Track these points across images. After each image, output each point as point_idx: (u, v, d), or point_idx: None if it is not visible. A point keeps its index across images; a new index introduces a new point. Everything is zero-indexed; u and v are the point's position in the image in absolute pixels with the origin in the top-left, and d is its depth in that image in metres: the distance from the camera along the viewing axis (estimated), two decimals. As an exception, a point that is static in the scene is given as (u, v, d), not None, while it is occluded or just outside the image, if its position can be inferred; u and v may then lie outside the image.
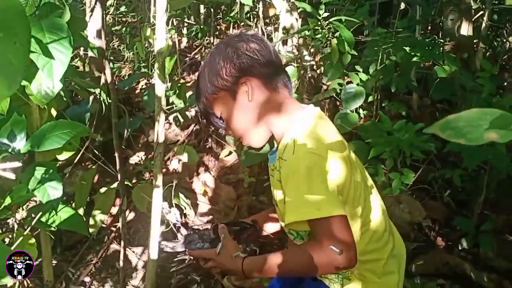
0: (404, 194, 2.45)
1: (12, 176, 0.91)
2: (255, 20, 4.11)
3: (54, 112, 1.74)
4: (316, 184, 1.17)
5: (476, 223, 2.41)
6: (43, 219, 1.48)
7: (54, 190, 1.31)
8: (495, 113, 0.53)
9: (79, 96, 3.17)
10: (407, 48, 2.20)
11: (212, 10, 4.61)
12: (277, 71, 1.40)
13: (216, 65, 1.38)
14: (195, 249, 1.43)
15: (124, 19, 5.40)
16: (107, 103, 1.80)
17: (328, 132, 1.30)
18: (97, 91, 1.69)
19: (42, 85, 1.52)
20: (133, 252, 2.40)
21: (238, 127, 1.43)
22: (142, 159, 2.86)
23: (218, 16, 4.67)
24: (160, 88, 1.55)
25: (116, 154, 1.65)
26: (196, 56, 4.26)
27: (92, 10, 2.56)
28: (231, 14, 4.39)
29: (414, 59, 2.12)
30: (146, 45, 4.44)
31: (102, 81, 1.71)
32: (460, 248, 2.37)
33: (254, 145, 1.46)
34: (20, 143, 1.45)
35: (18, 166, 0.94)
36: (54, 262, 2.39)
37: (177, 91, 2.42)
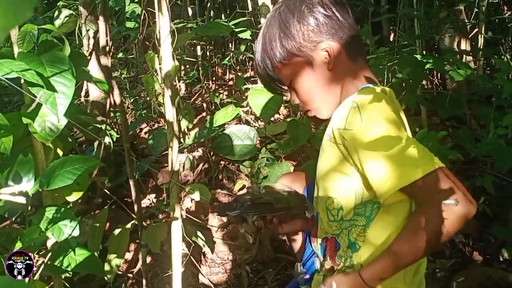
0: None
1: (23, 200, 0.82)
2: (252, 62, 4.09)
3: (60, 153, 1.64)
4: (399, 146, 1.00)
5: (511, 233, 2.27)
6: (57, 263, 1.35)
7: (70, 228, 1.19)
8: None
9: (83, 146, 3.10)
10: (419, 56, 2.13)
11: (208, 52, 4.61)
12: (355, 34, 1.20)
13: (289, 25, 1.17)
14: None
15: (119, 71, 5.40)
16: (113, 142, 1.71)
17: (389, 108, 1.07)
18: (103, 127, 1.60)
19: (46, 121, 1.43)
20: (153, 298, 2.25)
21: (312, 99, 1.23)
22: (153, 202, 2.75)
23: (215, 60, 4.67)
24: (171, 112, 1.46)
25: (131, 182, 1.53)
26: (197, 102, 4.21)
27: (90, 54, 2.51)
28: (227, 59, 4.38)
29: (427, 66, 2.04)
30: (145, 93, 4.43)
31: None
32: (501, 259, 2.22)
33: (323, 118, 1.25)
34: (28, 185, 1.33)
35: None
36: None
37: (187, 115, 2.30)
